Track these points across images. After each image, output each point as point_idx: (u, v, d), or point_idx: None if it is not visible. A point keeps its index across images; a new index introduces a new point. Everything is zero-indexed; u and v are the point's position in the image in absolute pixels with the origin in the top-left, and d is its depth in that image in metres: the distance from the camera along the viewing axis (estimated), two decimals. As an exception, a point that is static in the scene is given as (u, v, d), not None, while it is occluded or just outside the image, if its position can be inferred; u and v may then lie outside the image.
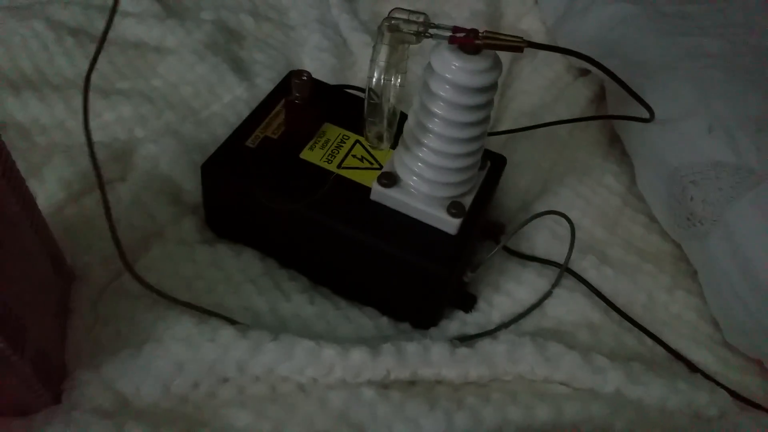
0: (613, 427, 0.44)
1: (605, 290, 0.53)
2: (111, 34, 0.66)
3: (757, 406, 0.48)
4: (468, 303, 0.53)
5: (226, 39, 0.69)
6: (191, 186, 0.55)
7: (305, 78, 0.49)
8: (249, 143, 0.51)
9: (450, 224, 0.47)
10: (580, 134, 0.65)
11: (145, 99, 0.62)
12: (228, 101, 0.63)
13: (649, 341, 0.52)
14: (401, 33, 0.40)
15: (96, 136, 0.57)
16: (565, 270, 0.53)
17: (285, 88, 0.54)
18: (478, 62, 0.41)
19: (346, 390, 0.44)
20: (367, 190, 0.49)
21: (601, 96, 0.69)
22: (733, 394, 0.49)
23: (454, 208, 0.47)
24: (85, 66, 0.62)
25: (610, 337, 0.51)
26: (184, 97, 0.63)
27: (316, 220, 0.48)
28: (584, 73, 0.71)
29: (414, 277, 0.48)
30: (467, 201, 0.49)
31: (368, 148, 0.52)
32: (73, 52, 0.64)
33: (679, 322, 0.53)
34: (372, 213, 0.48)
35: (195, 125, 0.60)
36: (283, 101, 0.53)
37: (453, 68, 0.41)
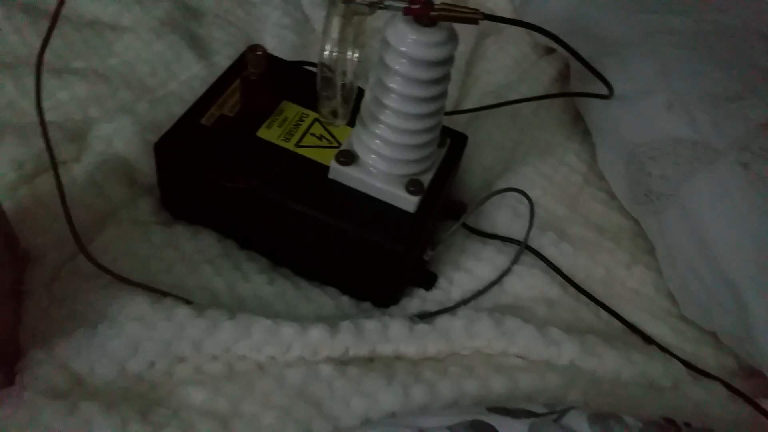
0: (567, 397, 0.44)
1: (564, 266, 0.54)
2: (65, 12, 0.65)
3: (710, 376, 0.49)
4: (428, 281, 0.53)
5: (185, 16, 0.68)
6: (147, 166, 0.54)
7: (260, 53, 0.48)
8: (204, 121, 0.50)
9: (408, 202, 0.47)
10: (544, 113, 0.65)
11: (100, 78, 0.60)
12: (185, 79, 0.62)
13: (605, 315, 0.52)
14: (355, 4, 0.40)
15: (49, 116, 0.56)
16: (524, 247, 0.53)
17: (242, 64, 0.53)
18: (434, 35, 0.40)
19: (303, 367, 0.44)
20: (326, 168, 0.48)
21: (565, 75, 0.69)
22: (686, 365, 0.49)
23: (412, 185, 0.47)
24: (37, 44, 0.60)
25: (567, 312, 0.51)
26: (140, 76, 0.62)
27: (272, 199, 0.47)
28: (549, 51, 0.71)
29: (373, 255, 0.48)
30: (426, 179, 0.48)
31: (327, 126, 0.52)
32: (24, 29, 0.62)
33: (636, 297, 0.54)
34: (330, 192, 0.48)
35: (151, 104, 0.59)
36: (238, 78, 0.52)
37: (408, 41, 0.41)
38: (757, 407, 0.47)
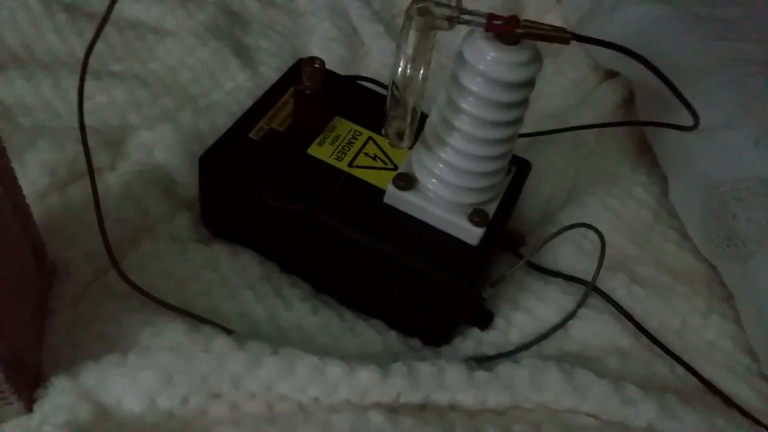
0: (646, 468, 0.40)
1: (636, 312, 0.49)
2: (107, 12, 0.62)
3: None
4: (485, 320, 0.48)
5: (230, 23, 0.65)
6: (187, 179, 0.51)
7: (317, 66, 0.44)
8: (253, 135, 0.46)
9: (471, 234, 0.43)
10: (608, 141, 0.61)
11: (141, 83, 0.57)
12: (230, 89, 0.58)
13: (681, 370, 0.47)
14: (432, 17, 0.36)
15: (86, 120, 0.52)
16: (592, 288, 0.49)
17: (294, 76, 0.49)
18: (517, 54, 0.36)
19: (351, 413, 0.40)
20: (381, 192, 0.44)
21: (629, 101, 0.65)
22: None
23: (476, 216, 0.43)
24: (77, 44, 0.59)
25: (640, 365, 0.46)
26: (182, 83, 0.58)
27: (323, 223, 0.43)
28: (611, 75, 0.67)
29: (429, 289, 0.43)
30: (491, 209, 0.44)
31: (382, 146, 0.48)
32: (64, 29, 0.59)
33: (712, 350, 0.49)
34: (385, 217, 0.44)
35: (193, 113, 0.55)
36: (291, 90, 0.48)
37: (488, 59, 0.37)
38: None
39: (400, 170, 0.44)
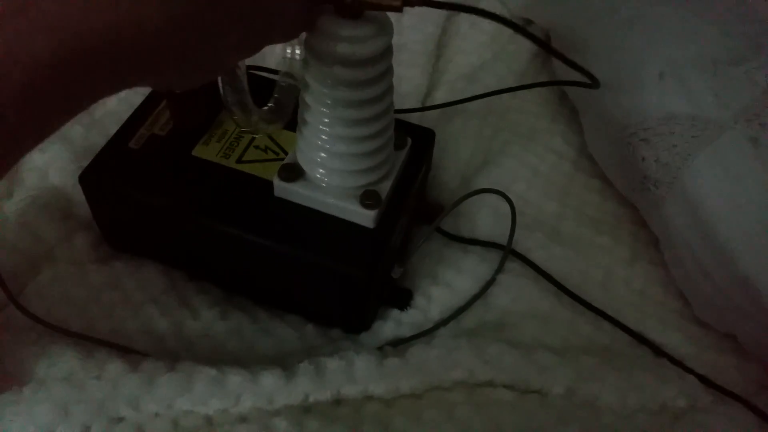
0: (563, 438, 0.38)
1: (555, 271, 0.47)
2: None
3: (731, 395, 0.42)
4: (403, 300, 0.47)
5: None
6: (83, 198, 0.49)
7: None
8: (133, 144, 0.45)
9: (365, 217, 0.41)
10: (526, 94, 0.58)
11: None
12: (124, 95, 0.56)
13: (608, 326, 0.45)
14: None
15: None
16: (509, 252, 0.47)
17: None
18: (362, 28, 0.34)
19: (257, 423, 0.38)
20: (270, 185, 0.42)
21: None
22: (703, 380, 0.43)
23: (367, 198, 0.41)
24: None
25: (562, 326, 0.45)
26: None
27: (207, 224, 0.42)
28: (527, 23, 0.63)
29: (331, 280, 0.42)
30: (384, 188, 0.42)
31: (274, 136, 0.46)
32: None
33: (642, 300, 0.47)
34: (277, 212, 0.42)
35: (86, 128, 0.53)
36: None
37: (333, 37, 0.34)
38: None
39: (285, 161, 0.42)
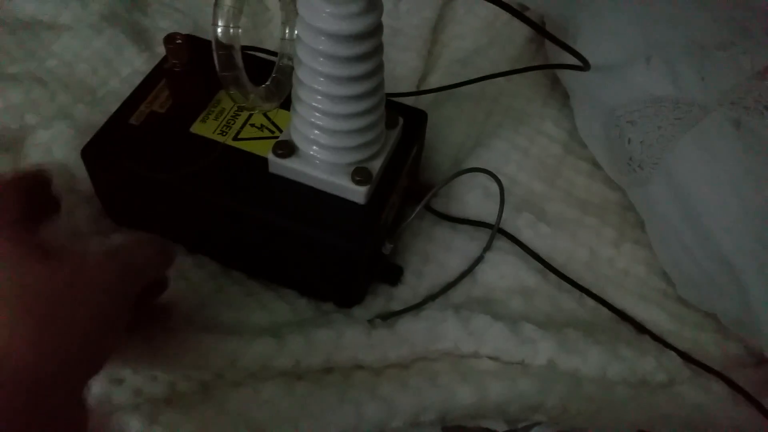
0: (544, 405, 0.39)
1: (542, 250, 0.48)
2: (-1, 14, 0.61)
3: (709, 370, 0.43)
4: (394, 276, 0.48)
5: (128, 8, 0.63)
6: (85, 173, 0.50)
7: (180, 41, 0.43)
8: (133, 120, 0.46)
9: (357, 193, 0.42)
10: (519, 79, 0.59)
11: (37, 82, 0.56)
12: (126, 75, 0.57)
13: (591, 303, 0.47)
14: None
15: (-17, 127, 0.53)
16: (497, 231, 0.48)
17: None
18: (349, 5, 0.35)
19: (248, 387, 0.40)
20: (266, 162, 0.44)
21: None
22: (683, 356, 0.44)
23: (358, 174, 0.42)
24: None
25: (547, 303, 0.46)
26: (79, 76, 0.57)
27: (208, 200, 0.43)
28: (523, 9, 0.64)
29: (323, 254, 0.43)
30: (375, 165, 0.43)
31: (269, 114, 0.47)
32: (-45, 35, 0.59)
33: (626, 279, 0.48)
34: (272, 187, 0.43)
35: (89, 106, 0.55)
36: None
37: (323, 16, 0.35)
38: (760, 408, 0.41)
39: (280, 138, 0.44)
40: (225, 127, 0.46)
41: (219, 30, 0.35)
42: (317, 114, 0.40)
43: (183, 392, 0.41)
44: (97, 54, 0.59)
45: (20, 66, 0.58)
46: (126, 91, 0.56)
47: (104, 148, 0.45)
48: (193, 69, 0.45)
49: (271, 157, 0.43)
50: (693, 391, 0.42)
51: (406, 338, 0.42)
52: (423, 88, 0.59)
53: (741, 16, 0.46)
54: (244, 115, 0.47)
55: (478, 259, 0.48)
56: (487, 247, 0.48)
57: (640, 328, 0.46)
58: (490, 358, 0.42)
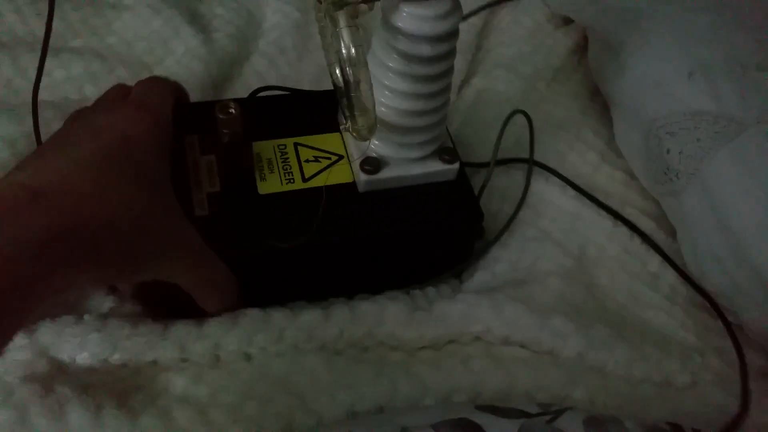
0: (572, 396, 0.41)
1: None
2: (65, -10, 0.64)
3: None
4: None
5: (186, -8, 0.66)
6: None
7: (232, 111, 0.39)
8: (198, 212, 0.41)
9: (449, 172, 0.45)
10: (559, 87, 0.61)
11: (98, 57, 0.59)
12: (181, 54, 0.60)
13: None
14: (348, 4, 0.34)
15: (45, 95, 0.54)
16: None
17: (183, 125, 0.45)
18: (442, 3, 0.37)
19: (289, 357, 0.42)
20: (350, 186, 0.44)
21: (583, 46, 0.65)
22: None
23: (445, 154, 0.45)
24: (36, 24, 0.60)
25: (582, 290, 0.48)
26: (137, 55, 0.60)
27: (333, 243, 0.42)
28: (567, 22, 0.67)
29: (446, 240, 0.46)
30: (448, 141, 0.46)
31: (311, 144, 0.46)
32: (23, 9, 0.61)
33: (656, 283, 0.50)
34: (373, 204, 0.43)
35: (144, 81, 0.57)
36: (187, 142, 0.44)
37: (426, 22, 0.37)
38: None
39: (357, 160, 0.43)
40: (287, 175, 0.44)
41: (348, 73, 0.35)
42: (416, 117, 0.42)
43: (226, 360, 0.43)
44: (155, 34, 0.61)
45: (83, 41, 0.61)
46: (181, 73, 0.57)
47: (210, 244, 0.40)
48: (241, 136, 0.41)
49: (363, 177, 0.43)
50: (716, 391, 0.43)
51: (442, 319, 0.44)
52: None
53: (783, 39, 0.48)
54: (292, 156, 0.45)
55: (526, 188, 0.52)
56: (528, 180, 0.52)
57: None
58: (521, 345, 0.44)
